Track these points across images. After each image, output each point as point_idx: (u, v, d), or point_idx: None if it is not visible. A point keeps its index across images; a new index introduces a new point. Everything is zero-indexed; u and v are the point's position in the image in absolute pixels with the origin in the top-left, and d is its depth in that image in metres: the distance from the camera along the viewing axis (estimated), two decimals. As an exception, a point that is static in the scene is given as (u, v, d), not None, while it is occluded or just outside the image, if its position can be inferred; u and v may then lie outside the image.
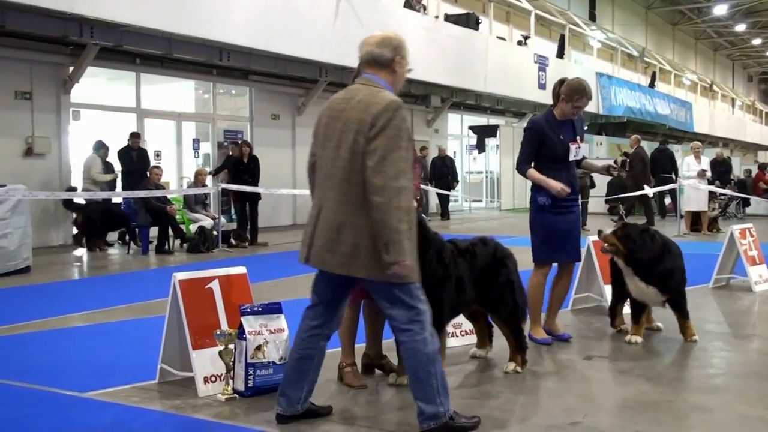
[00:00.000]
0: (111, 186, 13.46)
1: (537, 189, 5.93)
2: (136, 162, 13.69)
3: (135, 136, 13.92)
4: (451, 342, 5.56)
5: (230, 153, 14.66)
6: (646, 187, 17.05)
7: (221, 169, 14.55)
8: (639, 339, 5.90)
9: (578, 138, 5.99)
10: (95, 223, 12.98)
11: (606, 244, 5.88)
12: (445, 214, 20.47)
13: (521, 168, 5.96)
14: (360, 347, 5.04)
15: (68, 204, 13.31)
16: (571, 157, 5.94)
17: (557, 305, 6.19)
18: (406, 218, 3.70)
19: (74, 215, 13.39)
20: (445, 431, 3.78)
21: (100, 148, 13.47)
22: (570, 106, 5.88)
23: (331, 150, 3.90)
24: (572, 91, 5.86)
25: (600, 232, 5.99)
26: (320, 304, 4.07)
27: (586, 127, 28.51)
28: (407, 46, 4.11)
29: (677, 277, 5.92)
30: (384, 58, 4.02)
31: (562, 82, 5.99)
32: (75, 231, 13.61)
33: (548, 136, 5.89)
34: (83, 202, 13.16)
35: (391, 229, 3.66)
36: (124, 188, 13.39)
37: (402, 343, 3.90)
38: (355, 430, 4.01)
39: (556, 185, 5.75)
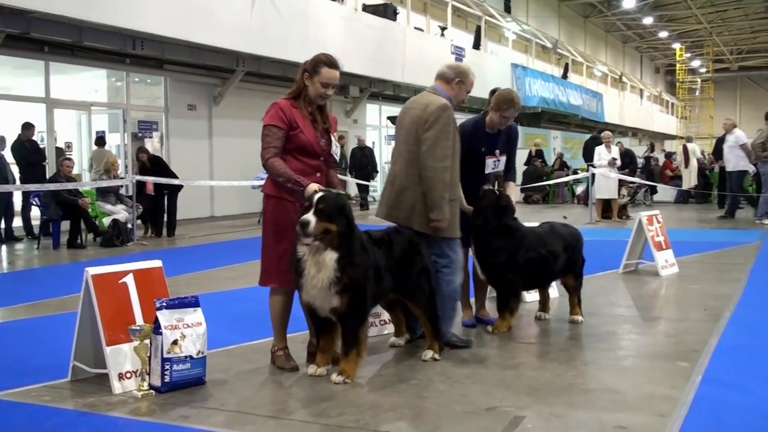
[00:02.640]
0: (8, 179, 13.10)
1: None
2: (31, 153, 13.28)
3: (27, 128, 13.46)
4: (370, 331, 5.59)
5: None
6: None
7: None
8: (501, 330, 5.93)
9: (497, 152, 6.05)
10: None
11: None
12: (364, 204, 20.52)
13: None
14: (295, 335, 5.02)
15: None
16: (487, 170, 6.04)
17: (483, 292, 6.35)
18: (448, 190, 5.19)
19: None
20: (447, 344, 5.35)
21: (1, 142, 13.08)
22: (498, 115, 5.93)
23: (400, 136, 5.45)
24: (500, 101, 5.90)
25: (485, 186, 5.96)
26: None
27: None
28: (469, 75, 5.56)
29: (500, 258, 5.78)
30: (448, 77, 5.51)
31: (494, 91, 6.05)
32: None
33: (470, 145, 5.92)
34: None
35: (435, 197, 5.15)
36: (23, 182, 12.98)
37: (439, 279, 5.31)
38: (285, 424, 4.00)
39: (466, 209, 5.82)
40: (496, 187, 6.09)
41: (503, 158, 6.16)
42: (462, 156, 5.88)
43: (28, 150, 13.30)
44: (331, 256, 4.46)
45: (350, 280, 4.50)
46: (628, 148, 21.29)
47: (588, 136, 23.97)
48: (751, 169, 16.59)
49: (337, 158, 5.11)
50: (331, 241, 4.46)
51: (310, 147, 4.87)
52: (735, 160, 16.22)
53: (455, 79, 5.48)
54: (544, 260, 5.99)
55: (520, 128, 29.66)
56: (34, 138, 13.64)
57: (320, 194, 4.50)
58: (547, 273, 6.16)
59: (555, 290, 7.12)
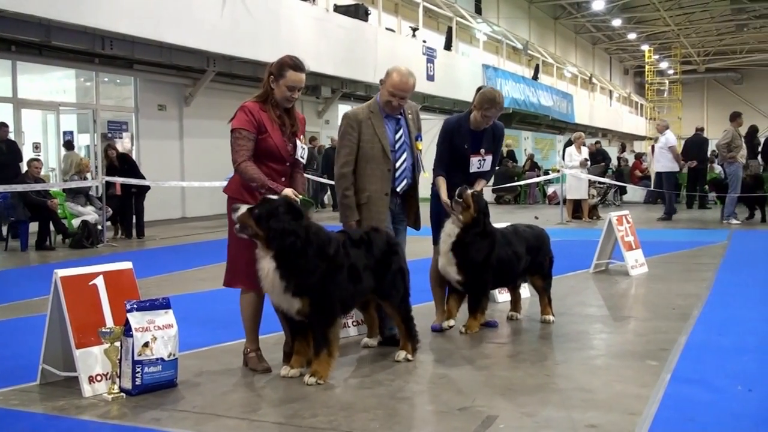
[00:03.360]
0: None
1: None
2: (6, 154, 13.08)
3: (2, 127, 13.26)
4: (343, 332, 5.59)
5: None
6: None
7: None
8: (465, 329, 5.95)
9: (482, 150, 6.05)
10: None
11: (462, 199, 5.75)
12: (336, 205, 20.48)
13: (434, 172, 6.00)
14: (267, 337, 5.00)
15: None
16: (472, 169, 6.03)
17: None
18: (347, 195, 5.43)
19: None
20: (394, 338, 5.43)
21: None
22: (480, 114, 5.95)
23: None
24: (482, 100, 5.93)
25: (464, 189, 5.80)
26: None
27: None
28: (392, 75, 5.38)
29: (478, 257, 5.80)
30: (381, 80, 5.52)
31: (479, 89, 6.07)
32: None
33: (454, 141, 5.96)
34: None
35: (339, 201, 5.55)
36: None
37: None
38: (257, 426, 3.98)
39: (445, 201, 5.84)
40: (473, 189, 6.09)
41: (489, 158, 6.11)
42: (446, 153, 6.00)
43: (2, 151, 13.08)
44: (269, 264, 4.47)
45: (300, 284, 4.49)
46: (601, 148, 21.49)
47: (558, 136, 24.18)
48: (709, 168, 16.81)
49: (304, 160, 5.11)
50: (267, 248, 4.48)
51: (277, 152, 4.86)
52: (664, 162, 16.50)
53: (381, 80, 5.48)
54: (509, 261, 6.03)
55: (491, 129, 29.61)
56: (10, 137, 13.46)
57: (265, 198, 4.54)
58: (510, 274, 6.18)
59: (526, 290, 7.16)
